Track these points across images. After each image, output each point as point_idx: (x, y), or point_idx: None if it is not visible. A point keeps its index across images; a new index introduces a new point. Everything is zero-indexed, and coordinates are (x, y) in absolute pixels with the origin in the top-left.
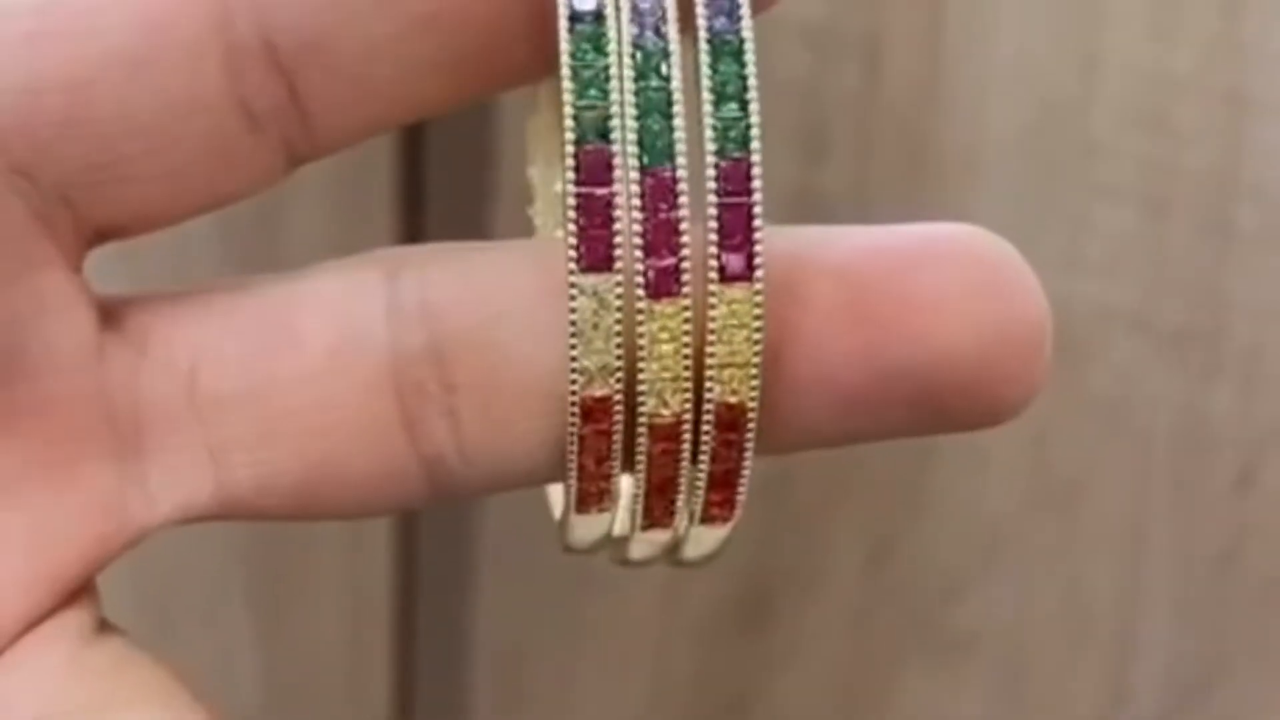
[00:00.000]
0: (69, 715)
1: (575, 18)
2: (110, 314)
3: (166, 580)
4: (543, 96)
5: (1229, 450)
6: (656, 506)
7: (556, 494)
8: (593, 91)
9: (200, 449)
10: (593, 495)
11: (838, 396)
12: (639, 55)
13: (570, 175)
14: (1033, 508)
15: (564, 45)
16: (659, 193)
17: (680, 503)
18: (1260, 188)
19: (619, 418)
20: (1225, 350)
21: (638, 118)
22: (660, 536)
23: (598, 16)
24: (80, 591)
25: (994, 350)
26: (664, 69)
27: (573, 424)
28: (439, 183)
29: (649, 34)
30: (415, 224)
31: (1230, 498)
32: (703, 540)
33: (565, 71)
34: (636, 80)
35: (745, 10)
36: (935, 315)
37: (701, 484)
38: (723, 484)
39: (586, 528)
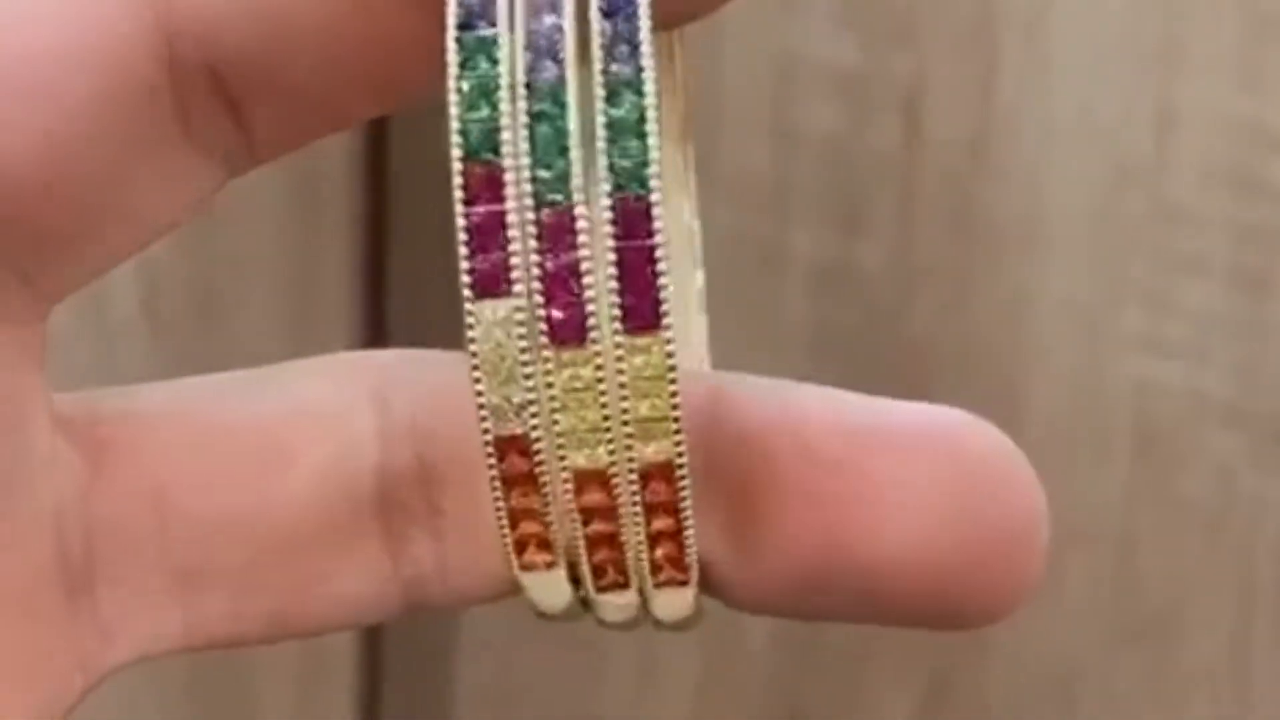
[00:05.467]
0: None
1: (463, 26)
2: (59, 418)
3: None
4: None
5: None
6: (606, 566)
7: None
8: (483, 107)
9: (166, 578)
10: (529, 541)
11: (792, 569)
12: (532, 86)
13: (459, 194)
14: (1115, 640)
15: (451, 56)
16: (557, 230)
17: (629, 563)
18: None
19: (541, 457)
20: None
21: (531, 158)
22: (620, 599)
23: (492, 40)
24: None
25: (958, 557)
26: (561, 99)
27: (490, 463)
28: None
29: (545, 62)
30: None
31: None
32: (670, 604)
33: (451, 83)
34: (531, 118)
35: (645, 44)
36: (889, 510)
37: (644, 544)
38: (667, 541)
39: (540, 588)
